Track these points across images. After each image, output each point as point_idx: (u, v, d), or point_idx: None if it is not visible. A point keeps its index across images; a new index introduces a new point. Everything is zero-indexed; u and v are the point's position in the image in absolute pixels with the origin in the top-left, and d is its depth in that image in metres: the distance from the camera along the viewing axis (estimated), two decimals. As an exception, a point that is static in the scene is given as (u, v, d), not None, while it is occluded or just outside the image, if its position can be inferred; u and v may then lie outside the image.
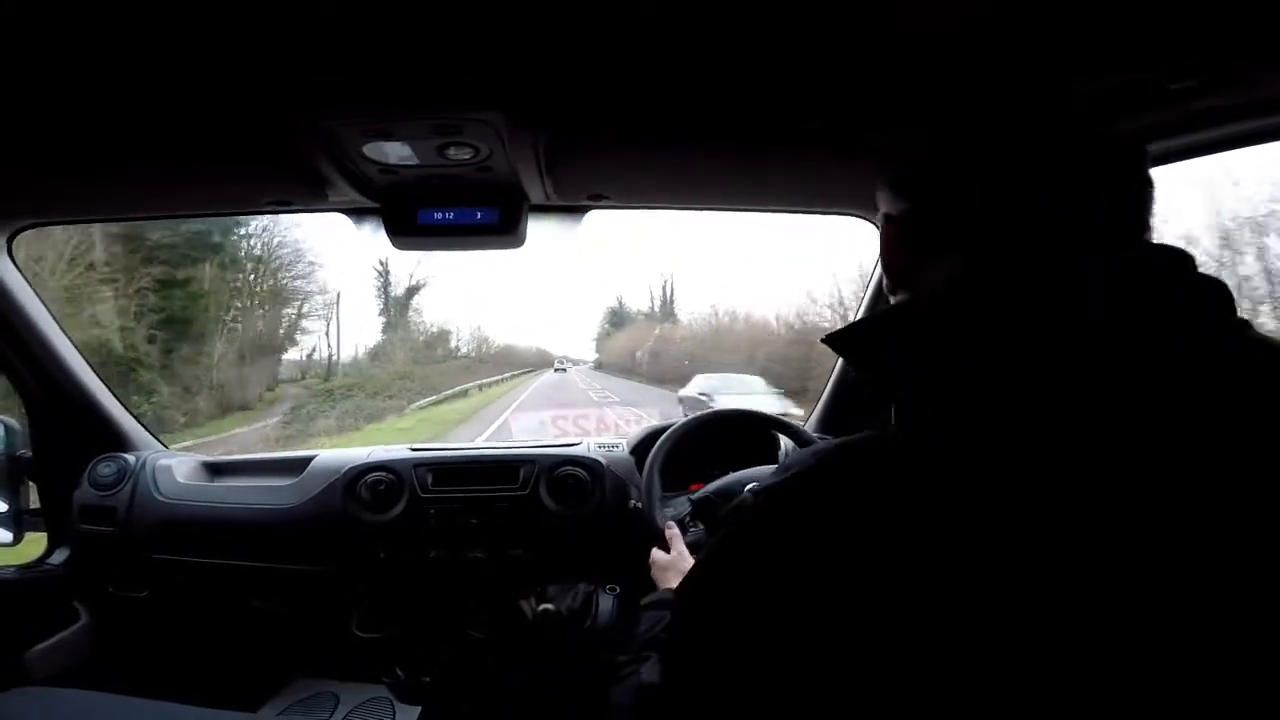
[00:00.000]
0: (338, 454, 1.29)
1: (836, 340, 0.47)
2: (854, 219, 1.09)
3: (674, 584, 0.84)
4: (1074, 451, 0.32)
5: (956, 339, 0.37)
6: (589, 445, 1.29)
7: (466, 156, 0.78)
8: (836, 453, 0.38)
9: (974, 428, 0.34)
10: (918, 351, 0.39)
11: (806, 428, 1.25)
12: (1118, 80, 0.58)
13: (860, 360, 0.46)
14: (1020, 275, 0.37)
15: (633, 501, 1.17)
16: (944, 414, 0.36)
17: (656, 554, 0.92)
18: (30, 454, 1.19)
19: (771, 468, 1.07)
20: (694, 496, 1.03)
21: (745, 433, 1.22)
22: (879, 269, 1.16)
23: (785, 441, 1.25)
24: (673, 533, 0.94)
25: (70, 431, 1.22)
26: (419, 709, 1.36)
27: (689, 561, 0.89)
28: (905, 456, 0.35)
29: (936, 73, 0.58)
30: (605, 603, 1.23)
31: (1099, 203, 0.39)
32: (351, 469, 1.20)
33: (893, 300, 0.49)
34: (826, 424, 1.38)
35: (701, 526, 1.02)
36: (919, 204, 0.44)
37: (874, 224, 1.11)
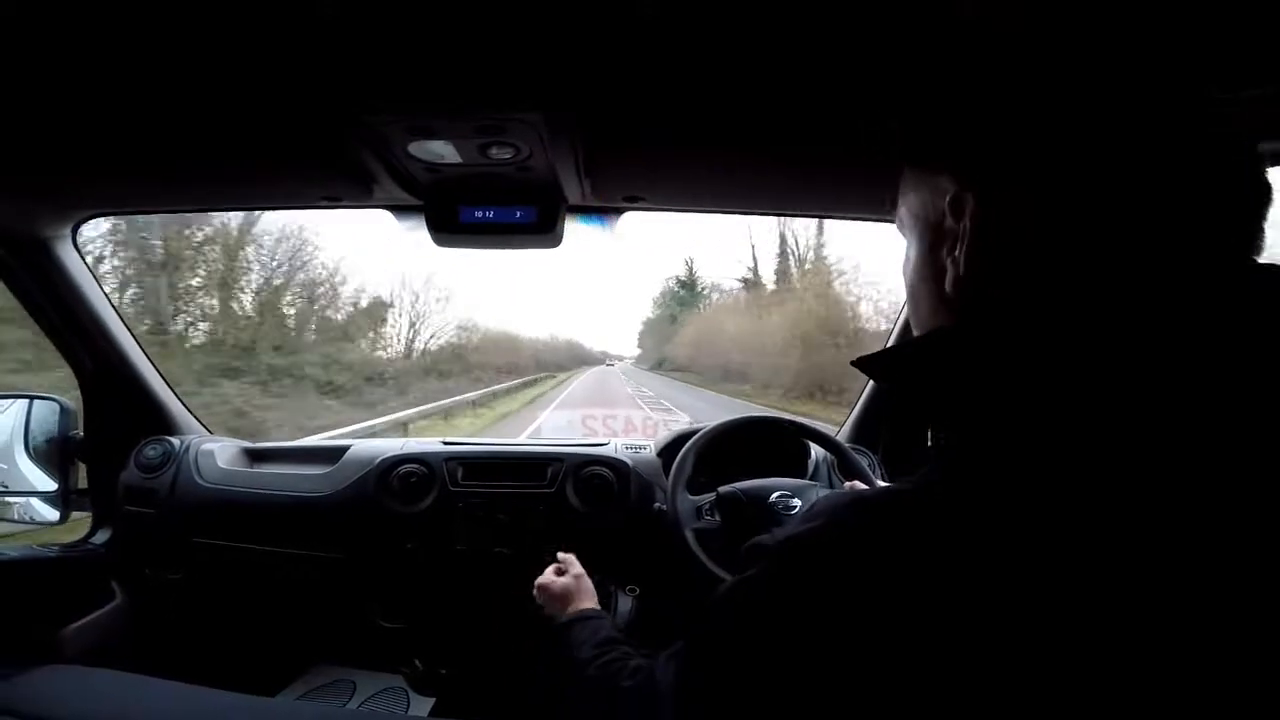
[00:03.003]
0: (373, 444, 1.32)
1: (877, 368, 0.43)
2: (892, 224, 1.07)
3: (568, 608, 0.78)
4: (1156, 515, 0.29)
5: (1027, 372, 0.33)
6: (616, 446, 1.30)
7: (508, 156, 0.80)
8: (872, 508, 0.35)
9: (1036, 484, 0.31)
10: (977, 383, 0.35)
11: (838, 437, 1.23)
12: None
13: (909, 390, 0.42)
14: (1115, 302, 0.33)
15: (657, 504, 1.16)
16: (1000, 463, 0.33)
17: (549, 579, 0.84)
18: (82, 434, 1.24)
19: (800, 482, 1.06)
20: (722, 490, 1.03)
21: (776, 439, 1.21)
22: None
23: (816, 450, 1.23)
24: (567, 556, 0.89)
25: (121, 414, 1.27)
26: (433, 700, 1.37)
27: (583, 588, 0.83)
28: (947, 515, 0.32)
29: (993, 73, 0.57)
30: (624, 603, 1.23)
31: (1204, 218, 0.34)
32: (385, 459, 1.22)
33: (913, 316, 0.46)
34: (858, 433, 1.35)
35: (718, 518, 1.01)
36: (989, 216, 0.38)
37: None
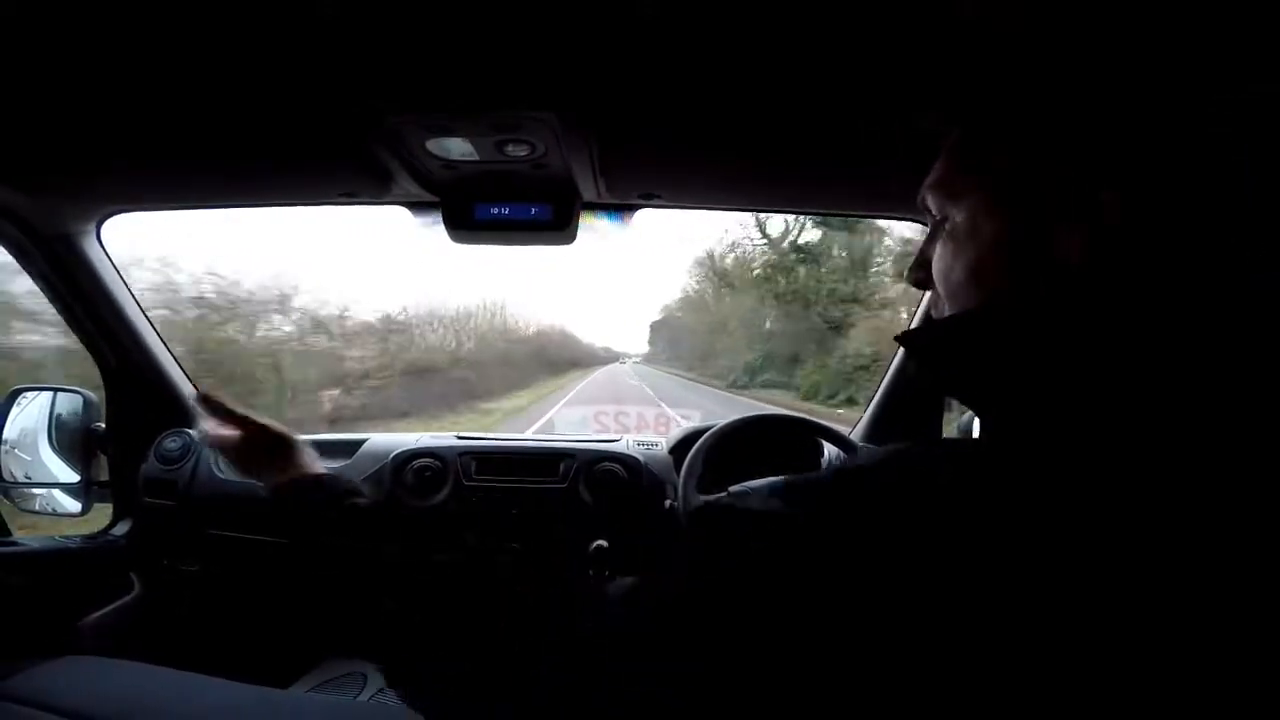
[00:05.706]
0: (388, 438, 1.32)
1: (918, 343, 0.44)
2: (910, 222, 1.06)
3: None
4: (1188, 484, 0.30)
5: (1075, 351, 0.35)
6: (628, 442, 1.30)
7: (523, 153, 0.80)
8: (925, 456, 0.36)
9: (1084, 447, 0.32)
10: (1020, 362, 0.36)
11: (852, 436, 1.22)
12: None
13: (944, 368, 0.42)
14: (1168, 292, 0.34)
15: (668, 501, 1.16)
16: (1048, 430, 0.34)
17: None
18: (104, 426, 1.26)
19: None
20: (733, 489, 1.03)
21: (790, 437, 1.21)
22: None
23: (829, 449, 1.23)
24: None
25: (143, 406, 1.28)
26: None
27: None
28: (994, 468, 0.33)
29: (1005, 70, 0.56)
30: None
31: (1210, 216, 0.36)
32: (400, 454, 1.23)
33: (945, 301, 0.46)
34: (873, 432, 1.34)
35: None
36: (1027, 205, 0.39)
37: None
